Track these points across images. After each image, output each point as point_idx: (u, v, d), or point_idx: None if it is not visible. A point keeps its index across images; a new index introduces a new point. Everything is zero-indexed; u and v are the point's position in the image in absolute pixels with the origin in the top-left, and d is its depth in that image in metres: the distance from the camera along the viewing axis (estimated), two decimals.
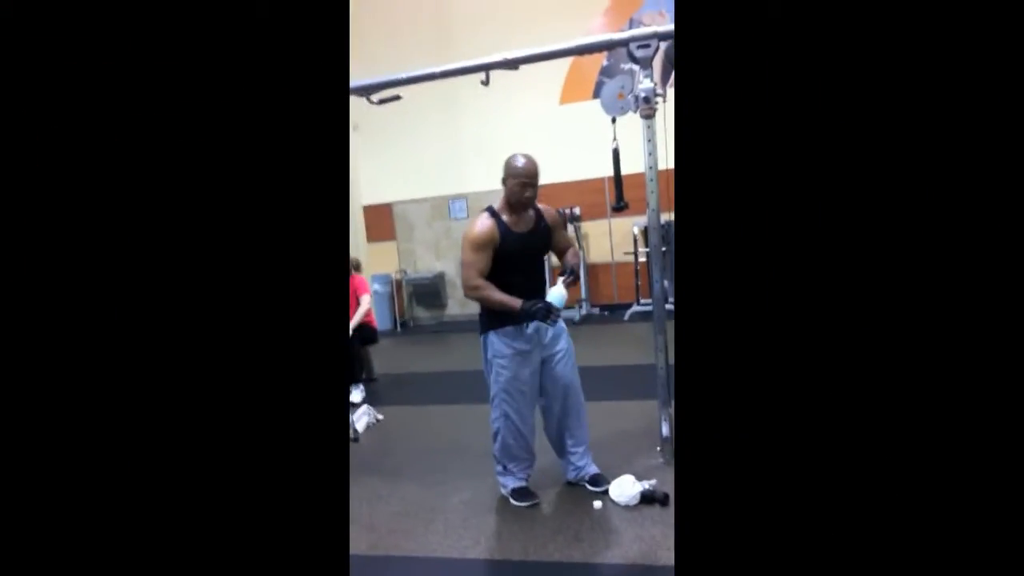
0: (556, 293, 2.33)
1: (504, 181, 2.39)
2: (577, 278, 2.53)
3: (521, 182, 2.34)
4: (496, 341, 2.41)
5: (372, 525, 2.46)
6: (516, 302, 2.28)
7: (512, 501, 2.50)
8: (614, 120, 2.71)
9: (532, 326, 2.35)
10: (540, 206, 2.49)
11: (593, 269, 6.93)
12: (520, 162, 2.35)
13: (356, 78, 3.97)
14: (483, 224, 2.36)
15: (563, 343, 2.50)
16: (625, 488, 2.41)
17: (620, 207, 2.82)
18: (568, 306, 2.59)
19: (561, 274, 2.45)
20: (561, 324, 2.47)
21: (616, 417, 3.36)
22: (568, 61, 6.56)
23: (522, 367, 2.40)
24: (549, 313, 2.26)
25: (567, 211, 6.57)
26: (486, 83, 2.86)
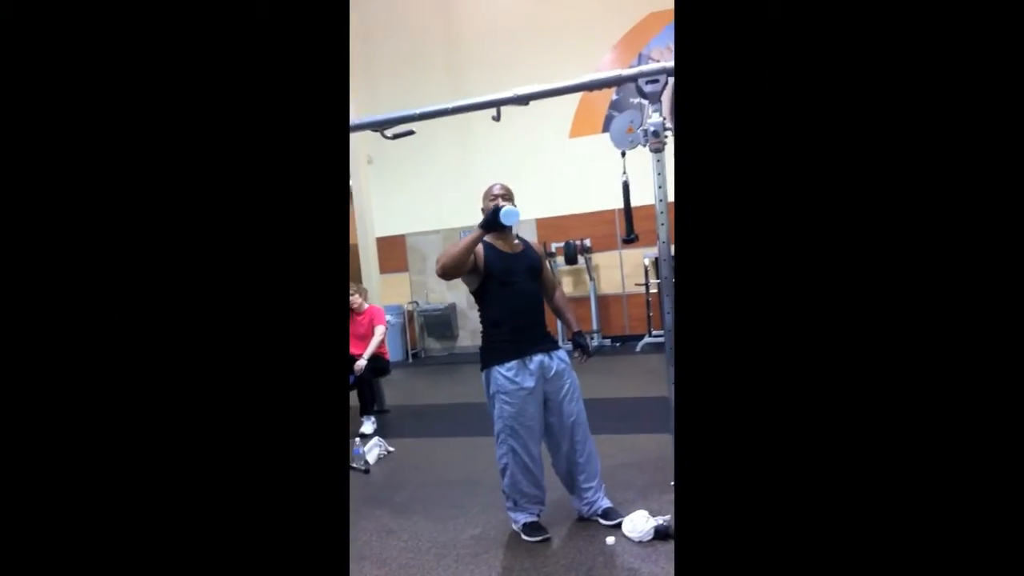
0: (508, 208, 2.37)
1: (483, 210, 2.49)
2: (584, 346, 2.65)
3: (492, 196, 2.49)
4: (499, 376, 2.40)
5: (383, 560, 2.43)
6: (476, 232, 2.33)
7: (523, 536, 2.47)
8: (624, 154, 2.74)
9: (535, 361, 2.39)
10: (528, 241, 2.61)
11: (604, 300, 6.93)
12: (493, 186, 2.54)
13: (370, 113, 4.08)
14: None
15: (567, 379, 2.49)
16: (638, 523, 2.37)
17: (630, 239, 2.84)
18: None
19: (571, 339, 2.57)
20: (564, 360, 2.51)
21: (629, 451, 3.32)
22: (578, 96, 6.67)
23: (526, 403, 2.39)
24: (497, 213, 2.30)
25: (578, 242, 6.61)
26: (497, 118, 2.91)
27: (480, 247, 2.41)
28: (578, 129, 6.87)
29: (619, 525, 2.43)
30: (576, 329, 2.62)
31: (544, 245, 6.89)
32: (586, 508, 2.55)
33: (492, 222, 2.33)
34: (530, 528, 2.48)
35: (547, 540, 2.43)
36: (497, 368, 2.41)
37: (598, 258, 6.83)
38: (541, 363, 2.41)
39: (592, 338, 6.57)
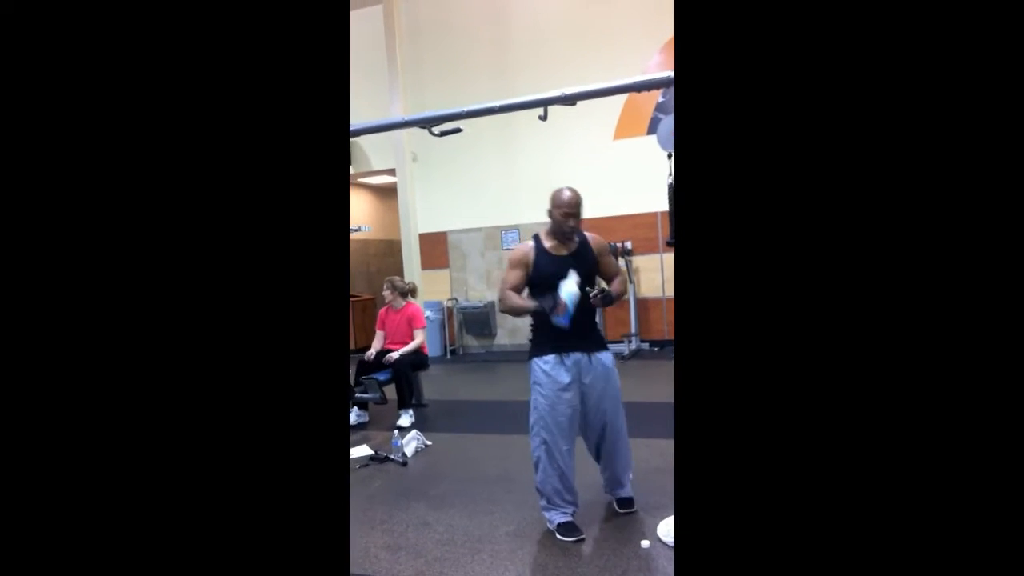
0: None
1: (549, 212, 2.52)
2: (608, 297, 2.49)
3: (564, 212, 2.46)
4: (537, 368, 2.49)
5: (419, 551, 2.47)
6: (531, 303, 2.43)
7: (558, 536, 2.49)
8: (670, 155, 2.72)
9: (571, 359, 2.43)
10: (587, 235, 2.59)
11: (644, 303, 6.87)
12: (565, 195, 2.48)
13: (415, 108, 4.13)
14: (521, 246, 2.56)
15: (603, 381, 2.51)
16: (674, 527, 2.36)
17: (674, 243, 2.82)
18: (616, 340, 2.62)
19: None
20: (605, 363, 2.52)
21: (665, 455, 3.29)
22: (623, 97, 6.63)
23: (559, 398, 2.44)
24: (555, 306, 2.33)
25: (619, 245, 6.57)
26: (544, 118, 2.92)
27: (532, 252, 2.50)
28: (623, 131, 6.83)
29: (631, 512, 2.61)
30: (605, 289, 2.51)
31: None
32: (617, 492, 2.70)
33: (547, 317, 2.36)
34: (565, 528, 2.50)
35: (581, 540, 2.44)
36: (536, 360, 2.50)
37: (639, 261, 6.79)
38: (578, 361, 2.46)
39: (631, 341, 6.53)
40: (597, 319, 2.83)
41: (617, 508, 2.68)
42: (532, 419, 2.51)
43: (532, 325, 2.56)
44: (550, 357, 2.45)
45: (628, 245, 6.66)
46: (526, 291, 2.53)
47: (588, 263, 2.52)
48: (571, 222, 2.47)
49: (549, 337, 2.46)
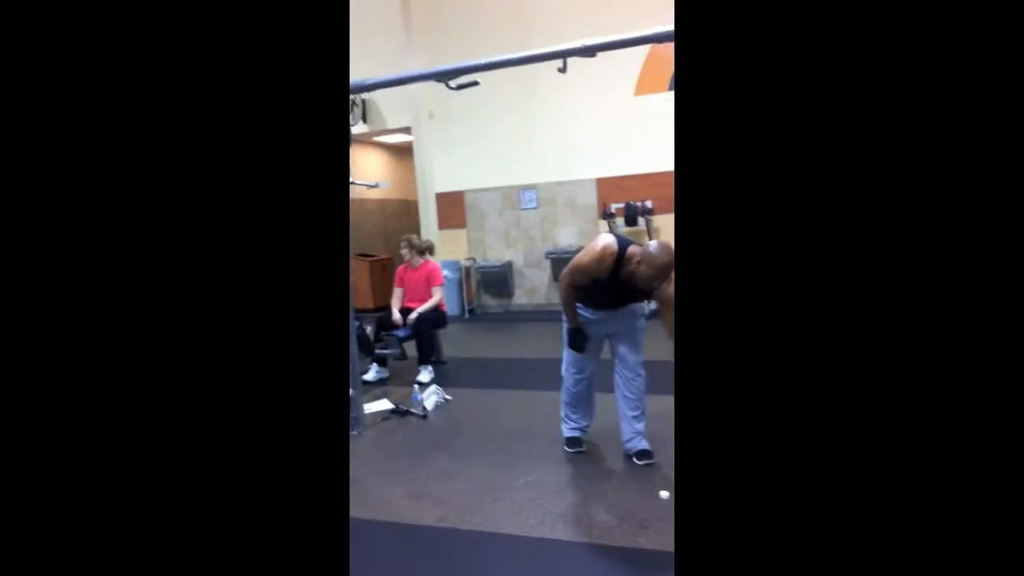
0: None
1: (639, 263, 2.47)
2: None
3: (653, 276, 2.44)
4: (582, 310, 2.80)
5: (441, 500, 2.53)
6: (573, 323, 2.77)
7: (565, 448, 2.93)
8: None
9: (602, 311, 2.77)
10: (666, 285, 2.51)
11: None
12: (661, 260, 2.42)
13: (432, 65, 4.07)
14: (607, 250, 2.53)
15: (623, 325, 2.79)
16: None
17: None
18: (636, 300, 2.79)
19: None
20: (636, 310, 2.80)
21: None
22: (644, 52, 6.47)
23: (585, 327, 2.78)
24: (581, 346, 2.77)
25: (639, 204, 6.51)
26: (563, 70, 2.87)
27: (607, 273, 2.56)
28: (644, 87, 6.69)
29: (651, 465, 2.71)
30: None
31: (604, 205, 6.81)
32: (626, 443, 2.83)
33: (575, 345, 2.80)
34: (569, 441, 2.95)
35: (580, 453, 2.89)
36: (579, 309, 2.78)
37: (659, 220, 6.71)
38: (606, 312, 2.77)
39: (650, 300, 6.52)
40: None
41: (637, 460, 2.75)
42: (565, 341, 2.87)
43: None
44: (586, 308, 2.78)
45: (648, 204, 6.59)
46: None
47: (640, 294, 2.66)
48: (654, 284, 2.47)
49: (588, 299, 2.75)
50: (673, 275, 2.47)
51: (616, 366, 2.84)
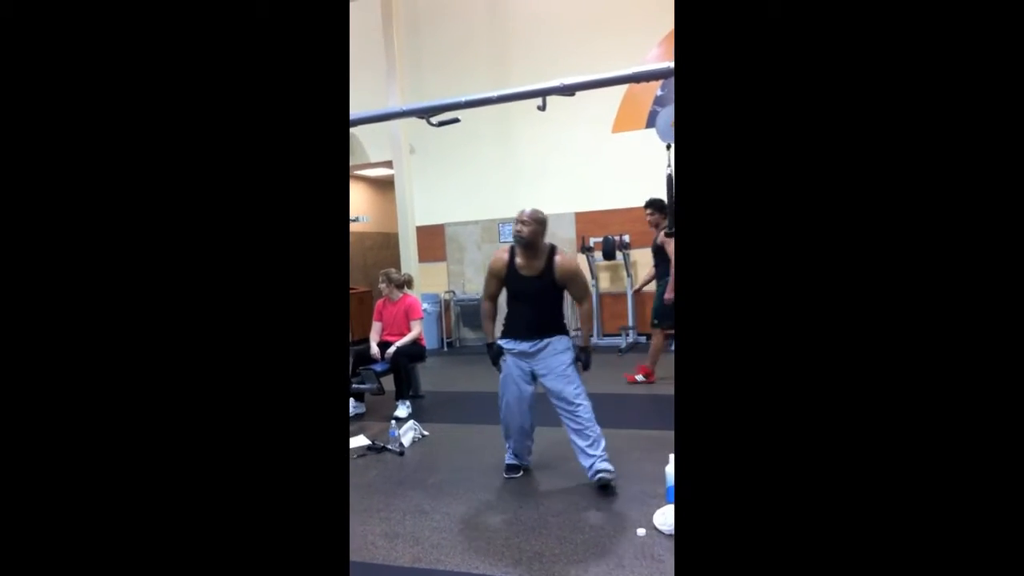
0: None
1: (519, 228, 2.84)
2: (587, 360, 2.96)
3: (514, 223, 2.86)
4: (504, 343, 3.01)
5: (416, 538, 2.48)
6: (489, 337, 3.05)
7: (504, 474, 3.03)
8: (669, 146, 2.73)
9: (523, 343, 2.91)
10: (558, 258, 2.86)
11: (640, 297, 6.87)
12: (522, 211, 2.85)
13: (414, 100, 4.12)
14: (497, 257, 2.96)
15: (547, 364, 2.89)
16: (670, 517, 2.37)
17: (673, 233, 2.84)
18: (613, 333, 2.88)
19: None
20: (556, 348, 2.89)
21: (663, 446, 3.31)
22: (621, 92, 6.62)
23: (511, 367, 2.96)
24: (496, 361, 3.02)
25: (617, 238, 6.58)
26: (543, 108, 2.92)
27: (505, 269, 2.91)
28: (621, 124, 6.83)
29: (611, 492, 2.76)
30: (582, 345, 2.97)
31: (582, 239, 6.87)
32: (588, 474, 2.85)
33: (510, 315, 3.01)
34: (506, 468, 3.07)
35: (515, 478, 3.00)
36: (500, 340, 3.03)
37: (636, 254, 6.78)
38: (530, 343, 2.91)
39: (628, 334, 6.54)
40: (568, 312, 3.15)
41: (600, 485, 2.82)
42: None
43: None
44: (508, 339, 2.98)
45: (626, 239, 6.66)
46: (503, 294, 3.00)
47: (552, 285, 2.86)
48: (519, 230, 2.82)
49: (509, 328, 2.99)
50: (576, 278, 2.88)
51: (554, 404, 2.90)
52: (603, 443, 2.85)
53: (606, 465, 2.81)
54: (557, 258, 2.85)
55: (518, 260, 2.88)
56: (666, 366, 5.64)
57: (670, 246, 4.49)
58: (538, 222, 2.83)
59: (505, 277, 2.92)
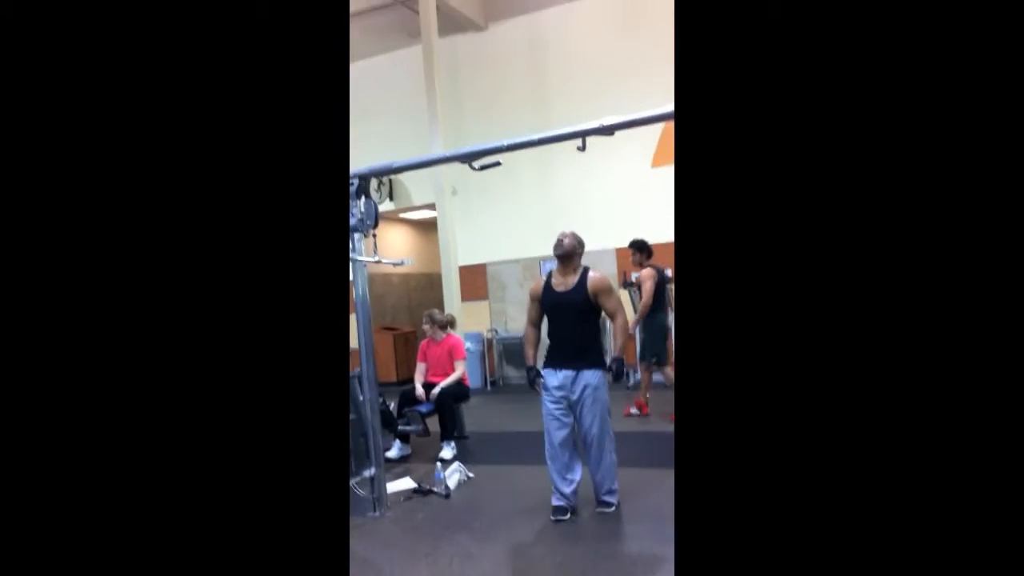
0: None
1: (561, 241, 3.04)
2: (619, 370, 3.01)
3: (556, 237, 3.06)
4: (544, 373, 3.08)
5: None
6: (528, 360, 3.19)
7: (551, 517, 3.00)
8: None
9: (562, 373, 2.98)
10: (591, 273, 3.02)
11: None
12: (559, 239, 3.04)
13: (455, 144, 4.20)
14: (536, 281, 3.19)
15: (588, 393, 2.95)
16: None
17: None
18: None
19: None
20: (591, 381, 2.94)
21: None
22: (661, 126, 6.64)
23: (550, 400, 3.03)
24: (532, 382, 3.10)
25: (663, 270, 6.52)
26: (582, 149, 2.95)
27: (540, 289, 3.10)
28: (661, 158, 6.83)
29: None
30: (616, 356, 3.05)
31: (624, 274, 6.83)
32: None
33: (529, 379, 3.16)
34: (553, 510, 3.02)
35: (560, 521, 2.94)
36: (544, 368, 3.09)
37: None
38: (566, 375, 2.98)
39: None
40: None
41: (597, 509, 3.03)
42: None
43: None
44: (547, 369, 3.05)
45: (668, 273, 6.60)
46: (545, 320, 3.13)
47: (584, 300, 2.97)
48: (557, 251, 3.02)
49: (548, 353, 3.08)
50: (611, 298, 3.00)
51: (583, 438, 3.01)
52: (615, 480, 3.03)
53: (608, 498, 3.04)
54: (590, 273, 3.03)
55: (554, 279, 3.06)
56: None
57: (645, 282, 4.88)
58: (578, 240, 3.04)
59: (541, 297, 3.08)
